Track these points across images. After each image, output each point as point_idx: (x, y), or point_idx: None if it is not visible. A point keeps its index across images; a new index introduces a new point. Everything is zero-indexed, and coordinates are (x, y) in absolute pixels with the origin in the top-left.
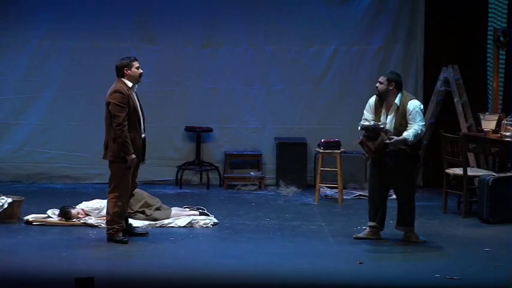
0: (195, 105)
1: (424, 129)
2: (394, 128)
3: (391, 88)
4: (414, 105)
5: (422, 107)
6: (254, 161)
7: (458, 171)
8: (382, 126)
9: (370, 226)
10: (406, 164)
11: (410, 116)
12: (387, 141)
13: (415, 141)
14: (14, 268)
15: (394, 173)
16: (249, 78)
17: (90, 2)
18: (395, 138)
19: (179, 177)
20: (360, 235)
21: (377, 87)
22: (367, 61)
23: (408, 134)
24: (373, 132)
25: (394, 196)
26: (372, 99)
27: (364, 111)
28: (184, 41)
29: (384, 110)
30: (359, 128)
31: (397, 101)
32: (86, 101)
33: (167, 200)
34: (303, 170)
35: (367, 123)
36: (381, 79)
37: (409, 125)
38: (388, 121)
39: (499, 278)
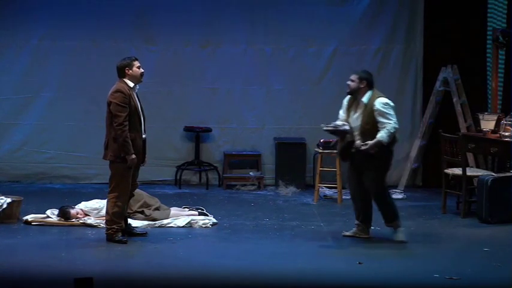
0: (194, 105)
1: (396, 125)
2: (361, 126)
3: (362, 86)
4: (381, 102)
5: (392, 103)
6: (253, 161)
7: (458, 171)
8: (343, 128)
9: (355, 224)
10: (372, 163)
11: (378, 115)
12: (362, 147)
13: (390, 140)
14: (13, 268)
15: (362, 172)
16: (248, 78)
17: (90, 2)
18: (369, 142)
19: (178, 177)
20: (348, 233)
21: (348, 85)
22: (366, 61)
23: (381, 135)
24: (337, 133)
25: None
26: (346, 98)
27: (340, 111)
28: (184, 41)
29: (353, 109)
30: (323, 129)
31: (364, 99)
32: (85, 101)
33: (166, 200)
34: (302, 170)
35: (331, 124)
36: (352, 77)
37: (380, 124)
38: (354, 119)
39: (499, 278)
